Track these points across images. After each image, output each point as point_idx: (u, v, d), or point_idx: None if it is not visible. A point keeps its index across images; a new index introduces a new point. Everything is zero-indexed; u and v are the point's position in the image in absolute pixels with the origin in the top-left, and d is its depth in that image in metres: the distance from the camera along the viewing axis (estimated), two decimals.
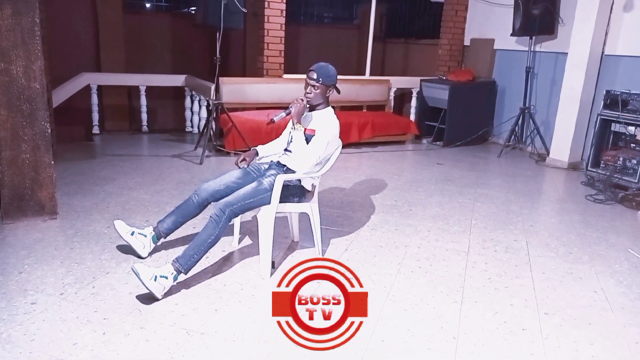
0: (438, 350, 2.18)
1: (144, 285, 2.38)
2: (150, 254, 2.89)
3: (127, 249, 2.88)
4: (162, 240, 2.95)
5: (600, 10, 5.24)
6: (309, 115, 2.89)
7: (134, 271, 2.40)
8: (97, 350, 2.05)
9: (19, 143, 3.18)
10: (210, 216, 2.62)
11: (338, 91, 2.90)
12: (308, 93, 2.80)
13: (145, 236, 2.86)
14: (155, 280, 2.41)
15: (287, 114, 2.81)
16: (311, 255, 3.01)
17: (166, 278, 2.45)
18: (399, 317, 2.42)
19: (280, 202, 2.73)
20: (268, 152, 3.01)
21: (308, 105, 2.83)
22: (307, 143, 2.78)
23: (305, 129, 2.81)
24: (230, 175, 2.90)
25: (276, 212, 2.73)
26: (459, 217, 3.85)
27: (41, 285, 2.52)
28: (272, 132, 5.15)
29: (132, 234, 2.85)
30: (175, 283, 2.51)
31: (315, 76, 2.77)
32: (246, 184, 2.80)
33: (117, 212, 3.54)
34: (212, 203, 2.86)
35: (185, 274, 2.55)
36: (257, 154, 2.97)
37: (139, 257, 2.85)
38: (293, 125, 2.79)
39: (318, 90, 2.78)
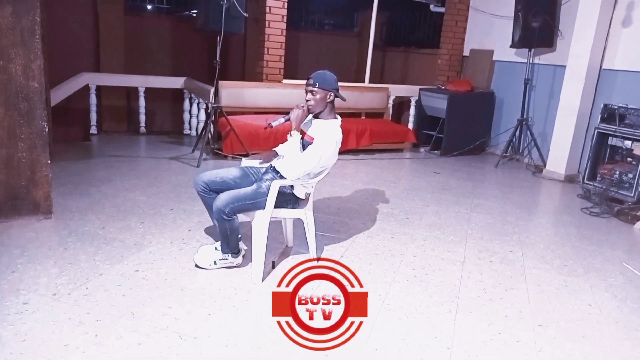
0: None
1: (210, 268, 2.81)
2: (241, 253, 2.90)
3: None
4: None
5: (599, 25, 5.28)
6: (311, 122, 2.89)
7: (197, 266, 2.81)
8: (88, 352, 2.03)
9: (15, 142, 3.16)
10: (215, 216, 2.67)
11: (342, 98, 2.88)
12: (308, 100, 2.81)
13: (217, 249, 2.86)
14: (215, 264, 2.81)
15: (286, 120, 2.83)
16: None
17: (226, 259, 2.81)
18: (393, 326, 2.41)
19: (275, 207, 2.72)
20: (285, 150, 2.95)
21: (309, 112, 2.84)
22: (304, 148, 2.77)
23: (304, 134, 2.82)
24: (228, 171, 2.92)
25: (271, 217, 2.73)
26: (455, 227, 3.85)
27: (34, 285, 2.50)
28: (271, 137, 5.16)
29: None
30: (235, 261, 2.84)
31: (311, 82, 2.79)
32: (244, 185, 2.82)
33: (112, 213, 3.52)
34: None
35: (236, 254, 2.83)
36: (276, 154, 2.97)
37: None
38: (291, 131, 2.79)
39: (317, 96, 2.78)
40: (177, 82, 6.52)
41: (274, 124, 2.81)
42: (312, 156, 2.73)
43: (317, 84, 2.77)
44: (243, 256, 2.88)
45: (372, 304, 2.58)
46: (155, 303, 2.43)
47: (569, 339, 2.43)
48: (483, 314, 2.59)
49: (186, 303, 2.46)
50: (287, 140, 2.82)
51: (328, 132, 2.79)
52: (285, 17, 6.14)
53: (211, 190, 2.82)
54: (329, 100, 2.82)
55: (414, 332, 2.37)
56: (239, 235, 2.79)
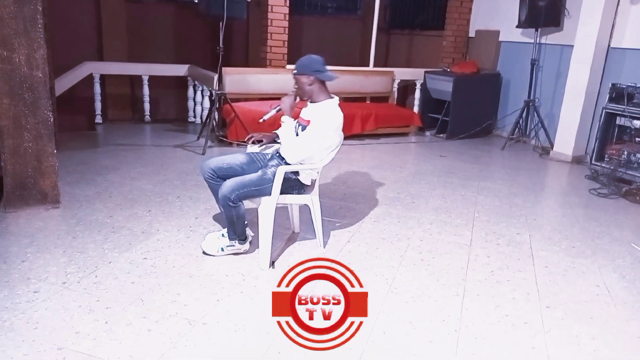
0: (439, 343, 2.18)
1: (217, 254, 2.82)
2: (247, 238, 2.91)
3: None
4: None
5: (607, 3, 5.19)
6: (308, 106, 2.89)
7: (205, 253, 2.82)
8: (99, 339, 2.05)
9: (21, 132, 3.17)
10: (221, 203, 2.68)
11: (326, 78, 2.76)
12: (295, 87, 2.83)
13: (223, 235, 2.87)
14: (222, 250, 2.82)
15: (278, 111, 2.87)
16: (312, 247, 3.01)
17: (233, 246, 2.81)
18: (400, 310, 2.42)
19: (280, 193, 2.72)
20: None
21: (301, 99, 2.85)
22: (302, 131, 2.79)
23: (300, 118, 2.83)
24: (234, 157, 2.92)
25: (277, 203, 2.73)
26: (462, 210, 3.84)
27: (43, 273, 2.53)
28: (275, 122, 5.12)
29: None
30: (242, 248, 2.85)
31: (293, 69, 2.80)
32: (250, 171, 2.82)
33: (119, 202, 3.54)
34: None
35: (243, 240, 2.84)
36: (277, 136, 2.98)
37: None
38: (281, 117, 2.84)
39: (299, 82, 2.78)
40: (180, 70, 6.50)
41: (266, 117, 2.84)
42: (309, 139, 2.74)
43: (295, 71, 2.78)
44: (250, 242, 2.89)
45: (379, 288, 2.59)
46: (164, 290, 2.45)
47: (576, 320, 2.43)
48: (490, 297, 2.60)
49: (194, 290, 2.48)
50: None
51: (323, 113, 2.77)
52: (287, 1, 6.07)
53: (218, 177, 2.82)
54: (310, 84, 2.76)
55: (422, 316, 2.38)
56: (245, 222, 2.80)
